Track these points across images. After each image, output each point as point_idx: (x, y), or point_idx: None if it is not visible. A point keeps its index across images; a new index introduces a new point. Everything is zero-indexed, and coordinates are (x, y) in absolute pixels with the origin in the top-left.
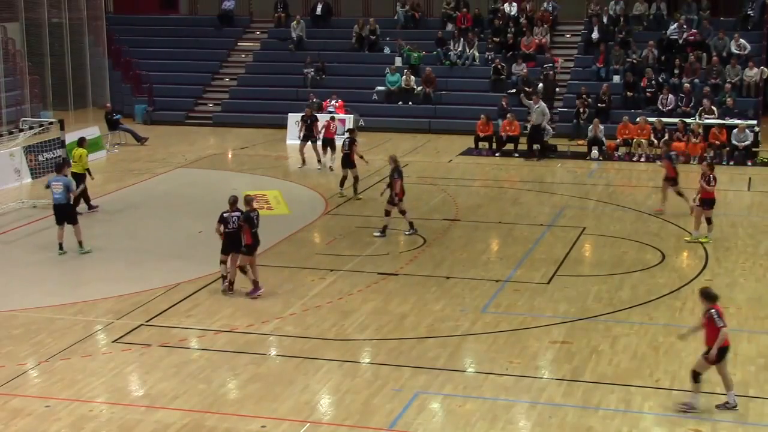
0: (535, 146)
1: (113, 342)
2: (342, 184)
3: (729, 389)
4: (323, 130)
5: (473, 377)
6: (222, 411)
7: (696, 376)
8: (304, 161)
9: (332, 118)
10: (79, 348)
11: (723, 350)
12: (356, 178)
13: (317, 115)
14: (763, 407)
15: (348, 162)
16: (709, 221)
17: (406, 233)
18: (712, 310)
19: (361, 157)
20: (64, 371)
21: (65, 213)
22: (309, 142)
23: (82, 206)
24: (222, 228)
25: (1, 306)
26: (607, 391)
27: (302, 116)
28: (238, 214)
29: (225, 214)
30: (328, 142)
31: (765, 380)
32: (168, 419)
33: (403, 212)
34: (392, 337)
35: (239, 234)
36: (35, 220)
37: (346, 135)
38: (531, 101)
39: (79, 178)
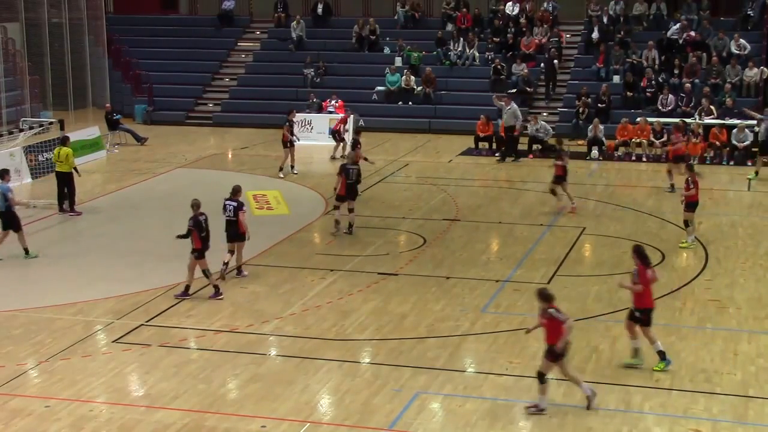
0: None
1: (113, 342)
2: None
3: (579, 384)
4: (341, 125)
5: (473, 377)
6: (222, 411)
7: (541, 377)
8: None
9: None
10: (79, 348)
11: (555, 350)
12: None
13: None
14: (763, 407)
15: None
16: (686, 224)
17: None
18: (551, 309)
19: (366, 158)
20: (64, 371)
21: (6, 220)
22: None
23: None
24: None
25: (1, 306)
26: (607, 391)
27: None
28: (233, 203)
29: (225, 201)
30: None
31: (765, 380)
32: (168, 419)
33: (349, 209)
34: (392, 337)
35: (236, 222)
36: (35, 220)
37: (353, 136)
38: (502, 103)
39: (67, 177)
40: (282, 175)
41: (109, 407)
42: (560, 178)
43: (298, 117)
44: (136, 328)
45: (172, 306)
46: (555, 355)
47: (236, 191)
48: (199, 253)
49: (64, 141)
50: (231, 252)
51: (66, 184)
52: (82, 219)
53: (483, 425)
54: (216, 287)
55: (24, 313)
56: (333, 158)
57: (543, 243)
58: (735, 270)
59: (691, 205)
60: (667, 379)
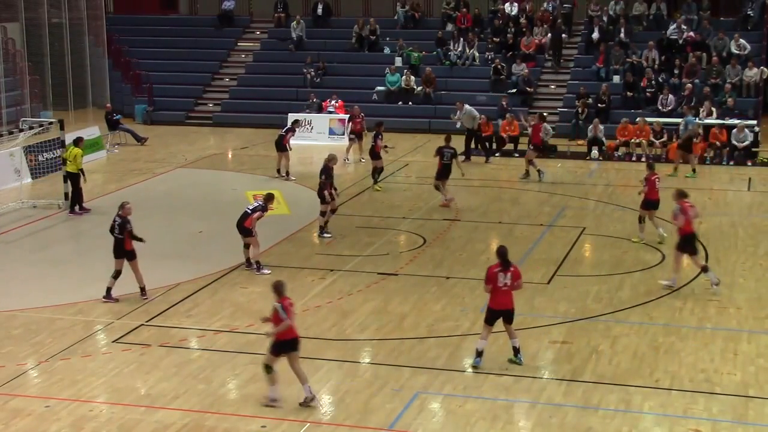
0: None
1: (113, 342)
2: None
3: (304, 382)
4: (350, 125)
5: (473, 377)
6: (222, 411)
7: (267, 369)
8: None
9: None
10: (79, 348)
11: (284, 344)
12: (380, 169)
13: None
14: (763, 407)
15: (374, 154)
16: (640, 220)
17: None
18: (278, 304)
19: (386, 146)
20: (64, 371)
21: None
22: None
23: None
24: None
25: (1, 306)
26: (607, 391)
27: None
28: (251, 206)
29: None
30: (358, 136)
31: (765, 380)
32: (168, 419)
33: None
34: (392, 337)
35: (243, 219)
36: (35, 220)
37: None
38: (456, 107)
39: (73, 177)
40: (293, 178)
41: (109, 407)
42: (441, 174)
43: (298, 117)
44: (136, 328)
45: (172, 306)
46: (277, 348)
47: (269, 198)
48: (128, 255)
49: (76, 142)
50: (246, 246)
51: (71, 185)
52: (83, 219)
53: (483, 425)
54: (142, 289)
55: (24, 313)
56: (347, 160)
57: (543, 243)
58: (735, 270)
59: (650, 203)
60: (667, 379)
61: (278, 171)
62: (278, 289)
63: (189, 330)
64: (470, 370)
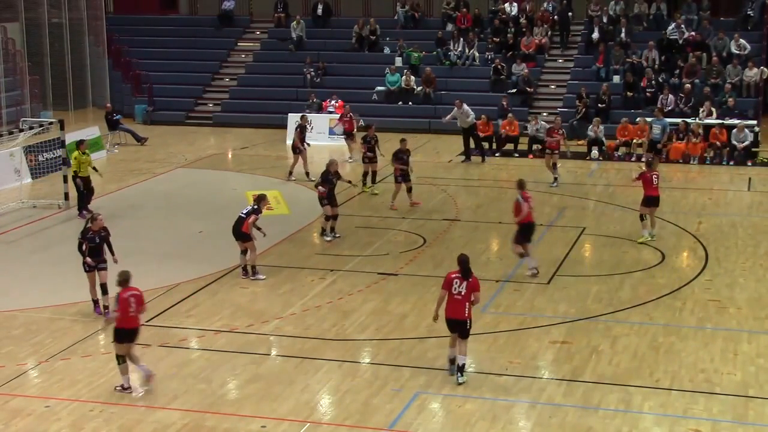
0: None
1: (113, 342)
2: (364, 179)
3: (137, 363)
4: (345, 124)
5: (473, 377)
6: (222, 411)
7: (119, 359)
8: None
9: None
10: (79, 348)
11: (125, 332)
12: (374, 173)
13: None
14: (763, 407)
15: (366, 157)
16: (642, 218)
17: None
18: (120, 295)
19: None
20: (64, 371)
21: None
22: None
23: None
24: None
25: (1, 306)
26: (607, 391)
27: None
28: (244, 210)
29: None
30: (349, 135)
31: (765, 380)
32: (168, 419)
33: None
34: (392, 337)
35: (238, 224)
36: (35, 220)
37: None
38: (455, 107)
39: (84, 180)
40: (294, 179)
41: (109, 407)
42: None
43: (298, 117)
44: None
45: (172, 306)
46: (119, 336)
47: (261, 199)
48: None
49: (77, 144)
50: (243, 252)
51: (84, 186)
52: (82, 219)
53: (483, 425)
54: (95, 302)
55: (24, 313)
56: (351, 159)
57: (543, 243)
58: (735, 270)
59: (651, 200)
60: (667, 379)
61: (306, 174)
62: (120, 281)
63: (189, 330)
64: (470, 369)
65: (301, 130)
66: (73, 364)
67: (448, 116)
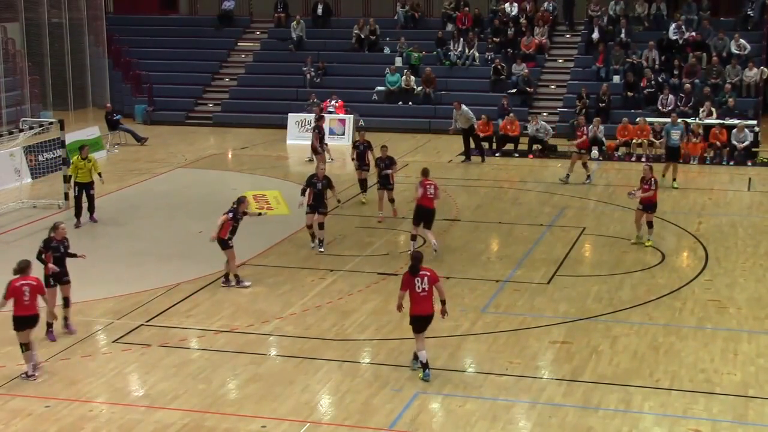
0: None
1: (113, 342)
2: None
3: (32, 350)
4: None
5: (473, 377)
6: (222, 411)
7: (23, 347)
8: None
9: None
10: (79, 348)
11: (22, 320)
12: (363, 181)
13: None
14: (763, 407)
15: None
16: (650, 225)
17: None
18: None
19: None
20: (64, 371)
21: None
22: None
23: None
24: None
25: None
26: (607, 391)
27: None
28: (230, 213)
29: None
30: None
31: (765, 380)
32: (168, 419)
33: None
34: (392, 337)
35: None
36: (35, 220)
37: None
38: (453, 108)
39: (81, 187)
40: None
41: (109, 407)
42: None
43: (298, 117)
44: (136, 328)
45: (172, 306)
46: (17, 324)
47: (240, 201)
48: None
49: (79, 149)
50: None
51: (85, 193)
52: (83, 219)
53: (483, 425)
54: (51, 318)
55: None
56: (331, 160)
57: (543, 243)
58: (735, 270)
59: (651, 206)
60: (667, 379)
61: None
62: (17, 269)
63: (189, 330)
64: (470, 369)
65: (319, 131)
66: (73, 364)
67: (451, 125)
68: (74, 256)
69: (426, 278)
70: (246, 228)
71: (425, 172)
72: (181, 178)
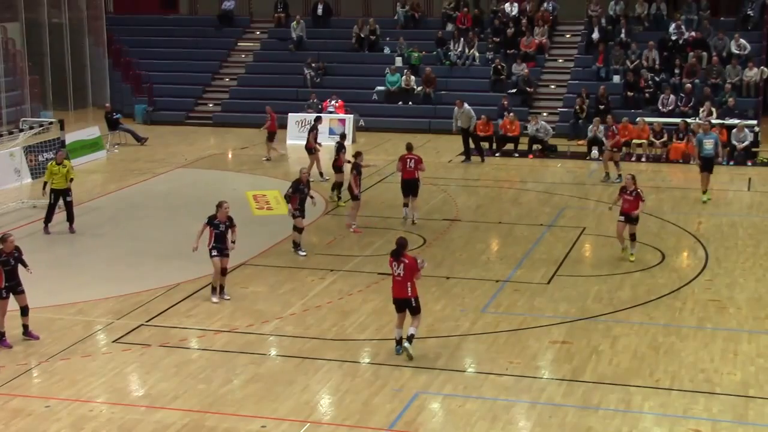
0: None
1: (113, 342)
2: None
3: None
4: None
5: (473, 377)
6: (222, 411)
7: None
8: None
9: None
10: (79, 348)
11: None
12: (340, 184)
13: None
14: (763, 407)
15: (336, 167)
16: (632, 237)
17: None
18: None
19: (349, 161)
20: (64, 371)
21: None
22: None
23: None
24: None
25: None
26: (607, 391)
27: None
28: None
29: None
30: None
31: (765, 380)
32: (168, 419)
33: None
34: (392, 337)
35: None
36: (35, 220)
37: (337, 140)
38: (455, 106)
39: (56, 193)
40: (327, 178)
41: (109, 407)
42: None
43: (298, 117)
44: (136, 328)
45: (172, 306)
46: None
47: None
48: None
49: (55, 153)
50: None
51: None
52: (83, 219)
53: (483, 425)
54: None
55: None
56: (268, 159)
57: (543, 243)
58: (735, 270)
59: (633, 217)
60: (667, 379)
61: (320, 174)
62: None
63: (189, 330)
64: (470, 370)
65: (315, 130)
66: (73, 364)
67: (453, 125)
68: (26, 266)
69: (403, 265)
70: (246, 228)
71: (408, 147)
72: (181, 178)
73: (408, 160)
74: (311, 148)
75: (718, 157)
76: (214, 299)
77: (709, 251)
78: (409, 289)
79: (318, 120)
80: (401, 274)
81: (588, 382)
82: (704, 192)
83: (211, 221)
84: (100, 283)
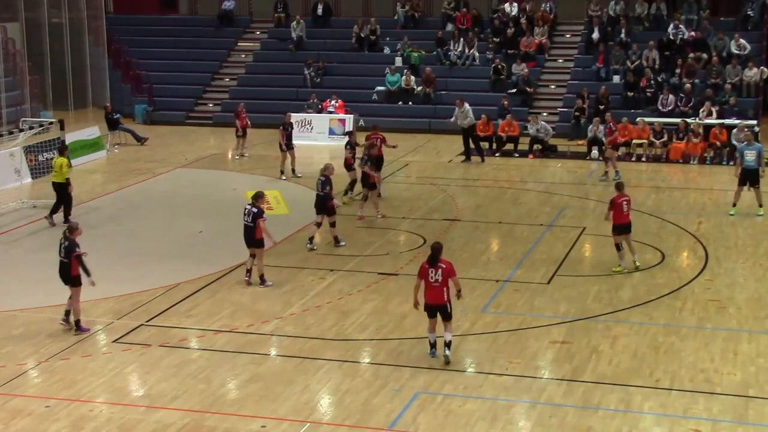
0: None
1: (113, 342)
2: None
3: None
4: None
5: (473, 377)
6: (222, 411)
7: None
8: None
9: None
10: (79, 348)
11: None
12: (354, 182)
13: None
14: (763, 407)
15: (347, 165)
16: (618, 247)
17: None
18: None
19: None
20: (64, 371)
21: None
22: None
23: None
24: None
25: (1, 306)
26: (607, 391)
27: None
28: (254, 209)
29: (246, 206)
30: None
31: (765, 380)
32: (168, 419)
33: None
34: (392, 337)
35: (253, 229)
36: (35, 220)
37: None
38: (455, 106)
39: (61, 188)
40: (284, 177)
41: (109, 407)
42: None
43: (298, 117)
44: (136, 328)
45: (172, 306)
46: None
47: (258, 197)
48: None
49: (61, 150)
50: (252, 256)
51: (57, 195)
52: (82, 219)
53: (483, 425)
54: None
55: (24, 313)
56: (237, 157)
57: (543, 243)
58: (735, 270)
59: (622, 227)
60: (667, 379)
61: (281, 171)
62: None
63: (189, 330)
64: (470, 369)
65: (284, 128)
66: (73, 364)
67: (452, 117)
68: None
69: (440, 270)
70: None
71: (374, 127)
72: (181, 178)
73: (374, 139)
74: (281, 144)
75: (761, 168)
76: (270, 283)
77: (709, 251)
78: (445, 294)
79: (287, 117)
80: (439, 280)
81: (588, 382)
82: (760, 206)
83: (261, 214)
84: (100, 283)
